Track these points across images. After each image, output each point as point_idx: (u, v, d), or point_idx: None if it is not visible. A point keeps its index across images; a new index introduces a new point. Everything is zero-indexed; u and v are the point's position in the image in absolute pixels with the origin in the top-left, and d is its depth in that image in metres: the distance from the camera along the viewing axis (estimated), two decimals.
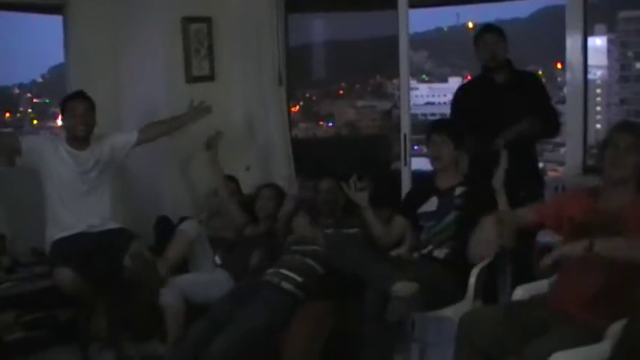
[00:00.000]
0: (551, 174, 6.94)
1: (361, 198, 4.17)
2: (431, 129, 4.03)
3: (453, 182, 3.89)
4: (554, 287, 3.12)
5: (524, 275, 3.91)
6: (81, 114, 4.31)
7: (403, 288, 3.34)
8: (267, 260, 4.10)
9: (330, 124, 8.67)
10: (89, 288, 4.05)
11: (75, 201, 4.29)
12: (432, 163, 3.98)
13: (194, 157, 5.12)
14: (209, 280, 4.20)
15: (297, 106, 7.55)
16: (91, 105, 4.36)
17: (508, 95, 4.17)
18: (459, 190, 3.85)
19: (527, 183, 4.21)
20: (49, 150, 4.29)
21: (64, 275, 3.98)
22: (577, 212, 3.04)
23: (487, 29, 4.34)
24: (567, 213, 3.09)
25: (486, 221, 3.07)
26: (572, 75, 4.30)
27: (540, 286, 3.29)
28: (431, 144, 3.95)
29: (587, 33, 4.32)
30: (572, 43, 4.25)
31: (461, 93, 4.54)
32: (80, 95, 4.38)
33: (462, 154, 3.97)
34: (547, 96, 4.36)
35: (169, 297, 3.98)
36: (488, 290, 3.88)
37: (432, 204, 3.93)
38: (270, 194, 4.61)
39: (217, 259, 4.35)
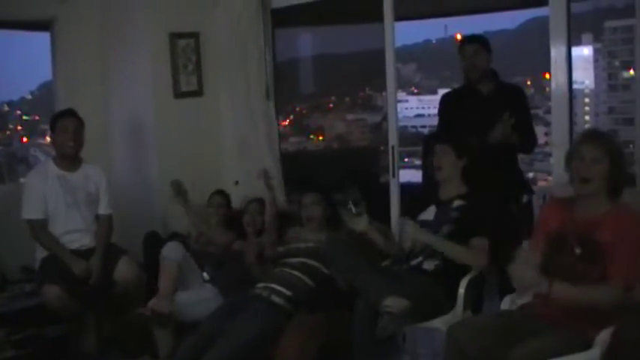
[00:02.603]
0: (541, 183, 6.97)
1: (361, 223, 3.92)
2: (433, 139, 4.01)
3: (453, 194, 3.85)
4: (543, 295, 3.12)
5: (512, 285, 3.93)
6: (72, 131, 4.32)
7: (394, 304, 3.33)
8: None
9: (320, 137, 8.70)
10: (77, 305, 4.04)
11: (64, 225, 4.28)
12: (435, 173, 3.92)
13: (183, 173, 5.12)
14: (197, 298, 4.15)
15: (287, 121, 7.57)
16: (80, 123, 4.37)
17: (492, 106, 4.18)
18: (457, 203, 3.81)
19: (514, 195, 4.23)
20: (42, 188, 4.27)
21: (51, 293, 3.98)
22: (556, 223, 3.06)
23: (468, 40, 4.35)
24: (548, 228, 3.11)
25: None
26: (557, 85, 4.32)
27: (529, 295, 3.29)
28: (434, 154, 3.91)
29: (571, 43, 4.34)
30: (556, 53, 4.27)
31: (445, 101, 4.55)
32: (71, 113, 4.38)
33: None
34: (529, 112, 4.40)
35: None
36: (477, 301, 3.89)
37: (430, 213, 3.90)
38: (257, 209, 4.61)
39: (205, 275, 4.34)
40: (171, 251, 4.13)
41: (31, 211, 4.25)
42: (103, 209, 4.45)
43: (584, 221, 2.93)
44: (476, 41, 4.31)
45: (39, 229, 4.24)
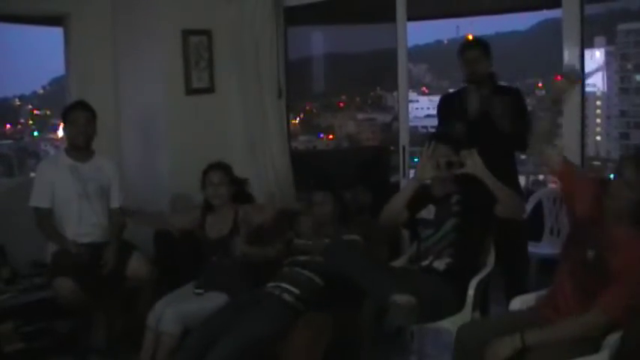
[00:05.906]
0: (551, 186, 6.93)
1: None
2: (434, 138, 4.01)
3: (448, 190, 3.85)
4: (551, 298, 3.12)
5: (518, 287, 3.93)
6: (82, 124, 4.33)
7: (401, 299, 3.33)
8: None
9: (330, 137, 8.68)
10: (89, 299, 4.05)
11: (76, 217, 4.29)
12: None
13: (193, 170, 5.12)
14: (211, 306, 3.90)
15: (298, 119, 7.56)
16: (92, 115, 4.39)
17: (490, 106, 4.17)
18: (455, 198, 3.81)
19: None
20: (52, 177, 4.29)
21: (64, 286, 3.98)
22: (587, 205, 3.06)
23: (468, 46, 4.32)
24: (582, 199, 3.12)
25: None
26: None
27: (536, 297, 3.30)
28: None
29: (584, 45, 4.33)
30: (569, 55, 4.27)
31: (443, 102, 4.55)
32: (81, 105, 4.40)
33: None
34: (527, 114, 4.37)
35: (169, 324, 3.78)
36: (484, 301, 3.89)
37: (429, 212, 3.89)
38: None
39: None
40: (169, 324, 3.80)
41: (37, 198, 4.27)
42: (115, 202, 4.46)
43: (606, 233, 2.92)
44: (477, 47, 4.28)
45: (43, 218, 4.26)
